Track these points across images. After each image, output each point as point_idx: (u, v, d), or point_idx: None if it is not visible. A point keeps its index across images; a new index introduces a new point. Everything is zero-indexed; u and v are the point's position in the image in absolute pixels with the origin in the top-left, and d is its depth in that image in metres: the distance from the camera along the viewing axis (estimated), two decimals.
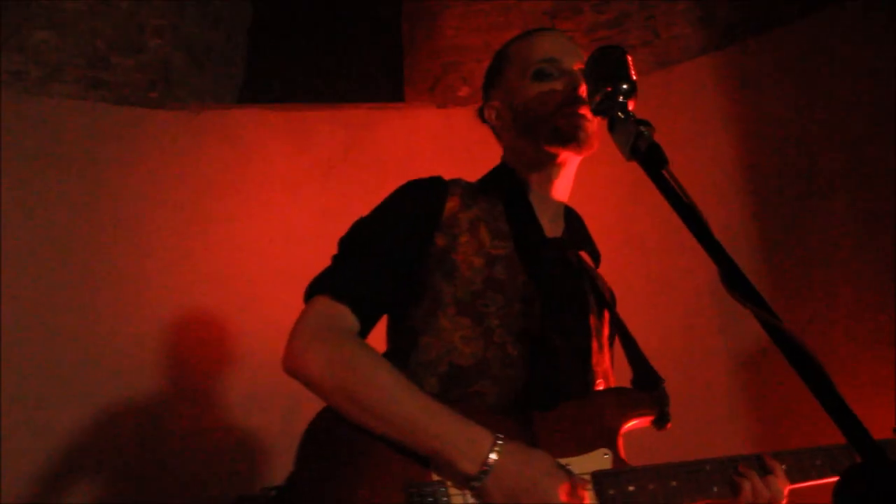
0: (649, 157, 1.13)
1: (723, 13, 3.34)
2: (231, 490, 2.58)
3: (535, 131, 1.55)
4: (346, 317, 1.40)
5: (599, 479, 1.31)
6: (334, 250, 3.39)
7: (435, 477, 1.24)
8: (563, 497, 1.22)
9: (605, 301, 1.64)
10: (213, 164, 3.64)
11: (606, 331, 1.63)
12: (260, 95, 4.23)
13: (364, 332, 1.42)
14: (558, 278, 1.54)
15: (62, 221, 3.41)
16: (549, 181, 1.60)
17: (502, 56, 1.67)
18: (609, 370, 1.62)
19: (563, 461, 1.29)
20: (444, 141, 3.77)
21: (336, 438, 1.25)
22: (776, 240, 2.96)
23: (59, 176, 3.45)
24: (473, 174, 3.67)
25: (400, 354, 1.46)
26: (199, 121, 3.70)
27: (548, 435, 1.31)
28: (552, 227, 1.61)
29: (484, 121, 1.73)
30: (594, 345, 1.55)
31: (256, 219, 3.60)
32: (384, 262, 1.46)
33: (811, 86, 3.02)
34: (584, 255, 1.68)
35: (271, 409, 3.28)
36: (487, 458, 1.22)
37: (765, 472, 1.39)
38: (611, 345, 1.65)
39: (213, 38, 4.14)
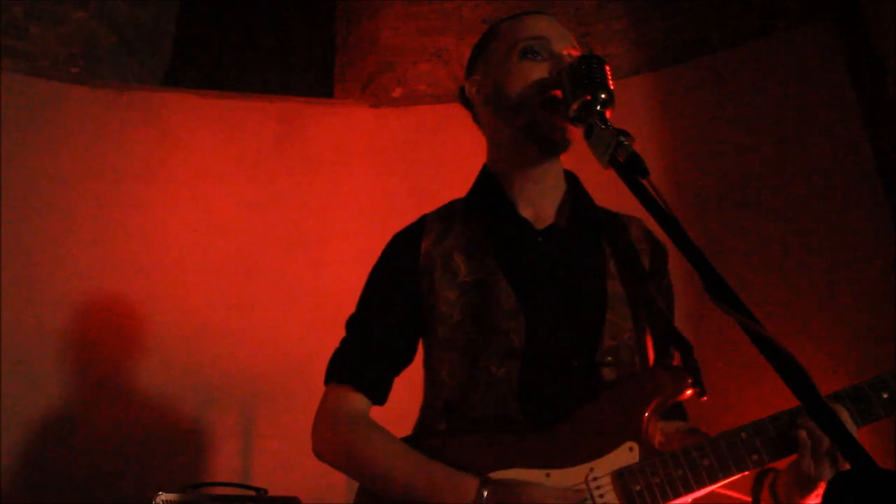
0: (629, 167, 1.15)
1: (657, 36, 3.45)
2: (148, 487, 2.46)
3: (512, 116, 1.50)
4: (350, 397, 1.47)
5: (621, 478, 1.26)
6: (259, 243, 3.30)
7: None
8: None
9: (635, 268, 1.52)
10: (134, 148, 3.49)
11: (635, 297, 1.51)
12: (186, 80, 4.08)
13: (380, 396, 1.50)
14: (549, 270, 1.48)
15: None
16: (532, 178, 1.54)
17: (491, 32, 1.62)
18: (644, 336, 1.50)
19: (585, 467, 1.27)
20: (376, 140, 3.74)
21: None
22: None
23: None
24: (405, 175, 3.64)
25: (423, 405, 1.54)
26: (122, 101, 3.54)
27: (561, 449, 1.29)
28: (548, 217, 1.54)
29: (464, 101, 1.65)
30: (608, 315, 1.45)
31: (177, 207, 3.47)
32: (377, 332, 1.51)
33: (738, 109, 3.16)
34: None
35: (185, 402, 3.17)
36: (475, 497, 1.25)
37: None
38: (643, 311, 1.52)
39: (140, 16, 3.97)
